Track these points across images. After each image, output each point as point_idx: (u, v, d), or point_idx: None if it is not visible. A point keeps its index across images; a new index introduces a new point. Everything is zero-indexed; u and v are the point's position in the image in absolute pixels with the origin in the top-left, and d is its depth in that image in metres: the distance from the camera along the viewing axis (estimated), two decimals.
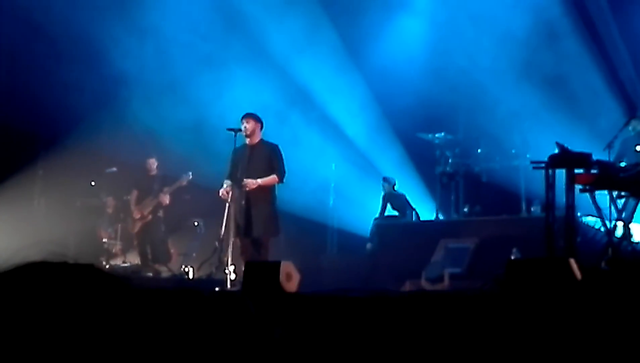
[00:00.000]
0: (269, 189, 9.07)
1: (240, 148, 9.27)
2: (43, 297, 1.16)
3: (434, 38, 13.27)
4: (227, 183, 9.15)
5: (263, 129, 9.27)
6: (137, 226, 12.06)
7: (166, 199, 11.85)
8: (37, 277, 1.18)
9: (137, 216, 12.05)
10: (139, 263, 12.06)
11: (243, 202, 9.02)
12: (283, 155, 9.13)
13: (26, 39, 12.44)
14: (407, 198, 12.60)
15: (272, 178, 9.01)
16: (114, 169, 12.86)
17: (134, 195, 12.20)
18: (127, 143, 12.56)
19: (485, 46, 12.46)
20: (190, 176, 11.76)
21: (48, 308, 1.15)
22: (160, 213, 12.05)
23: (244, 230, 9.00)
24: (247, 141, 9.20)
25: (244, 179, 8.92)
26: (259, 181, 8.93)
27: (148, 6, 12.98)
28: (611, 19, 11.92)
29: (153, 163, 12.16)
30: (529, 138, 11.64)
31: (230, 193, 9.12)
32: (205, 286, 9.46)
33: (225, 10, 13.16)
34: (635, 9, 12.06)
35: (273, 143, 9.28)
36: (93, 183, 13.21)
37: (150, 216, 11.98)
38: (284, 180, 9.09)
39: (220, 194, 9.16)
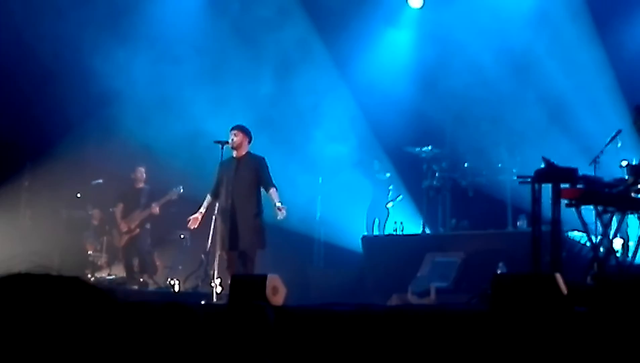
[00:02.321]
0: (255, 202, 9.09)
1: (227, 161, 9.29)
2: (24, 310, 1.14)
3: (422, 53, 13.34)
4: (204, 206, 9.33)
5: (251, 143, 9.31)
6: (124, 240, 11.96)
7: (156, 209, 11.75)
8: (18, 289, 1.17)
9: (123, 229, 11.96)
10: (125, 275, 11.98)
11: (229, 215, 9.02)
12: (269, 166, 9.20)
13: (14, 52, 12.39)
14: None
15: (273, 191, 9.07)
16: (100, 181, 12.80)
17: (119, 208, 12.09)
18: (114, 155, 12.52)
19: (473, 61, 12.53)
20: (181, 190, 11.66)
21: (30, 321, 1.14)
22: (148, 226, 11.98)
23: (231, 243, 9.00)
24: (234, 153, 9.23)
25: (281, 212, 8.96)
26: (278, 202, 8.97)
27: (139, 20, 13.00)
28: (599, 40, 12.02)
29: (142, 173, 12.06)
30: (516, 152, 11.69)
31: (198, 222, 9.34)
32: (191, 299, 9.43)
33: (218, 25, 13.20)
34: (622, 30, 12.17)
35: (259, 155, 9.31)
36: (79, 195, 13.14)
37: (137, 230, 11.90)
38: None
39: (191, 219, 9.35)
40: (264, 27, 13.06)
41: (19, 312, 1.13)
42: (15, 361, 1.11)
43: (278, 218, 9.04)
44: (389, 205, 13.04)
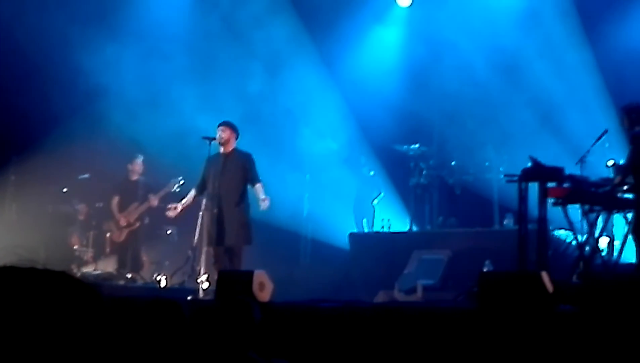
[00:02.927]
0: (241, 198, 9.11)
1: (214, 157, 9.29)
2: (10, 303, 1.14)
3: (410, 51, 13.35)
4: (187, 198, 9.45)
5: (238, 139, 9.32)
6: (124, 235, 11.78)
7: (155, 202, 11.62)
8: (4, 282, 1.17)
9: (123, 224, 11.75)
10: (111, 271, 11.89)
11: (216, 211, 9.02)
12: (255, 163, 9.24)
13: (1, 46, 12.30)
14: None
15: (258, 186, 9.12)
16: (87, 175, 12.71)
17: (115, 201, 11.91)
18: (101, 150, 12.45)
19: (462, 59, 12.56)
20: (181, 182, 11.34)
21: (16, 314, 1.13)
22: (147, 220, 11.90)
23: (217, 238, 9.00)
24: (221, 149, 9.23)
25: (265, 202, 9.06)
26: (263, 196, 9.10)
27: (128, 16, 12.95)
28: (587, 41, 12.06)
29: (140, 164, 11.81)
30: (503, 151, 11.73)
31: (177, 211, 9.52)
32: (178, 295, 9.41)
33: (207, 22, 13.16)
34: (610, 31, 12.21)
35: (246, 151, 9.32)
36: (65, 190, 13.06)
37: (137, 223, 11.77)
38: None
39: (170, 207, 9.52)
40: (252, 24, 13.04)
41: (4, 304, 1.13)
42: (1, 353, 1.10)
43: (261, 208, 9.07)
44: (374, 202, 13.06)
